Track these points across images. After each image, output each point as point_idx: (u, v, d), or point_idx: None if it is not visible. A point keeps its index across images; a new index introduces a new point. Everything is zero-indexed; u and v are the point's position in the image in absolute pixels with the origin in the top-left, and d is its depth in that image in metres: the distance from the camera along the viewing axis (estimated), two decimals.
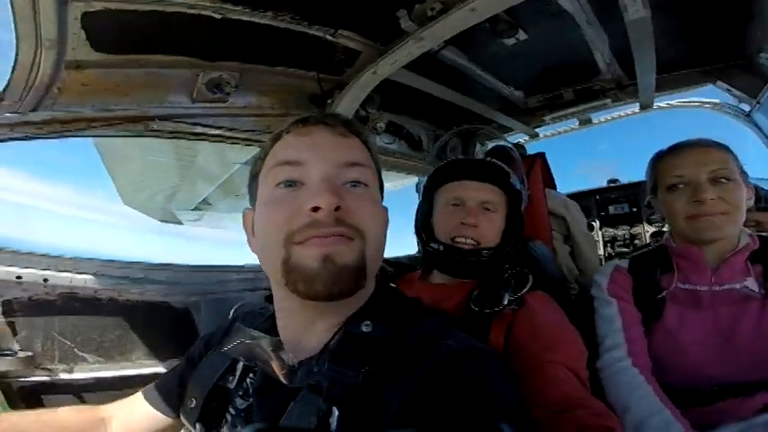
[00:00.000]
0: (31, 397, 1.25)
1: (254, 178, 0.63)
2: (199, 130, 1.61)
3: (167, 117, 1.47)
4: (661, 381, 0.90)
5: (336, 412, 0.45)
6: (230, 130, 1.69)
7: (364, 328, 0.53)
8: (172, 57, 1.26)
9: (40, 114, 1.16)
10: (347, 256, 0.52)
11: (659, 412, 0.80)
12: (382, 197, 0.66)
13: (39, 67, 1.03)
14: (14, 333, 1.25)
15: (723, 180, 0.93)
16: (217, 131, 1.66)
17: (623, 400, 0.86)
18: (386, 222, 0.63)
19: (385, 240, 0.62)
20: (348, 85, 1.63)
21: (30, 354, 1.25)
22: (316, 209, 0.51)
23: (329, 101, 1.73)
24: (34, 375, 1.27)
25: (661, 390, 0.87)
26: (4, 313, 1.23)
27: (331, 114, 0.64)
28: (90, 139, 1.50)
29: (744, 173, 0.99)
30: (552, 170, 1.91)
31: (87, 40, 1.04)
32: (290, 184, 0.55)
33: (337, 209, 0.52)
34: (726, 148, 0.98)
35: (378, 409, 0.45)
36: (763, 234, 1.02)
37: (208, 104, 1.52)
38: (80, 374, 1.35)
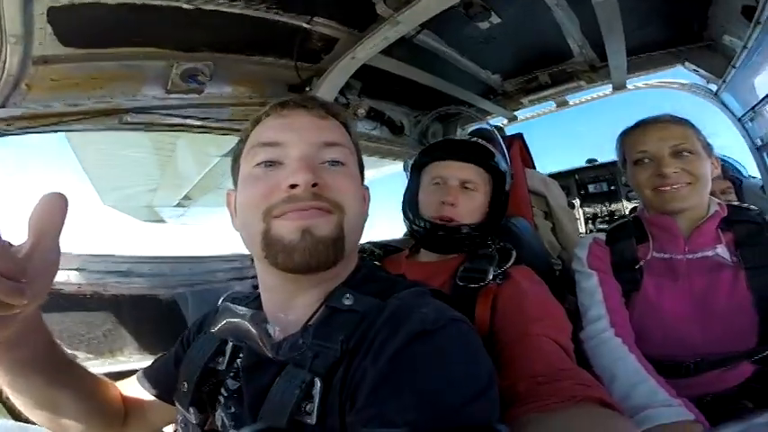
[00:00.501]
0: None
1: (236, 160, 0.64)
2: (175, 121, 1.58)
3: (142, 110, 1.44)
4: (645, 353, 0.90)
5: (319, 384, 0.47)
6: (208, 120, 1.67)
7: (346, 302, 0.54)
8: (143, 49, 1.23)
9: (9, 111, 1.14)
10: (325, 229, 0.54)
11: (645, 381, 0.81)
12: (363, 177, 0.67)
13: (5, 64, 1.00)
14: None
15: (685, 153, 0.96)
16: (194, 122, 1.64)
17: (609, 370, 0.86)
18: (366, 200, 0.65)
19: (365, 217, 0.64)
20: (326, 72, 1.62)
21: None
22: (293, 186, 0.53)
23: (308, 88, 1.71)
24: None
25: (644, 359, 0.88)
26: None
27: (310, 97, 0.65)
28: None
29: (708, 146, 1.02)
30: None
31: (54, 35, 1.01)
32: (269, 164, 0.57)
33: (314, 185, 0.53)
34: (687, 123, 1.01)
35: (355, 379, 0.46)
36: (733, 203, 1.07)
37: (183, 95, 1.50)
38: None
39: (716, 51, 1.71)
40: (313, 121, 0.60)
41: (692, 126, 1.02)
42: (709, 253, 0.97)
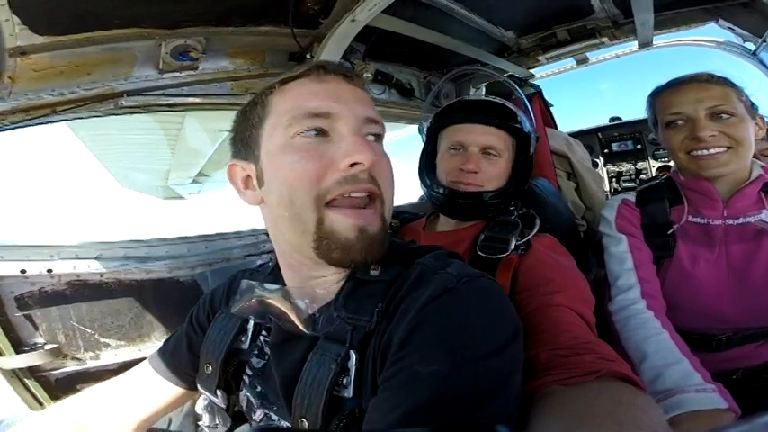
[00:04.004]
0: (68, 388, 1.29)
1: (254, 127, 0.57)
2: (174, 101, 1.52)
3: (137, 92, 1.38)
4: (674, 324, 0.87)
5: (354, 356, 0.47)
6: (208, 96, 1.59)
7: (372, 272, 0.54)
8: (125, 30, 1.14)
9: None
10: (375, 226, 0.54)
11: (678, 362, 0.77)
12: None
13: None
14: (35, 327, 1.27)
15: (724, 115, 0.87)
16: (193, 100, 1.56)
17: (640, 348, 0.82)
18: None
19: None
20: (326, 37, 1.49)
21: (55, 345, 1.28)
22: (353, 165, 0.51)
23: (309, 56, 1.60)
24: (66, 366, 1.31)
25: (677, 334, 0.84)
26: (19, 308, 1.25)
27: (345, 66, 0.61)
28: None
29: (752, 106, 0.92)
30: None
31: (24, 25, 0.93)
32: (317, 132, 0.53)
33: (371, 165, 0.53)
34: (727, 82, 0.91)
35: (383, 345, 0.47)
36: None
37: (177, 74, 1.42)
38: (107, 360, 1.40)
39: (754, 10, 1.53)
40: (356, 93, 0.57)
41: (733, 85, 0.91)
42: (751, 219, 0.90)
